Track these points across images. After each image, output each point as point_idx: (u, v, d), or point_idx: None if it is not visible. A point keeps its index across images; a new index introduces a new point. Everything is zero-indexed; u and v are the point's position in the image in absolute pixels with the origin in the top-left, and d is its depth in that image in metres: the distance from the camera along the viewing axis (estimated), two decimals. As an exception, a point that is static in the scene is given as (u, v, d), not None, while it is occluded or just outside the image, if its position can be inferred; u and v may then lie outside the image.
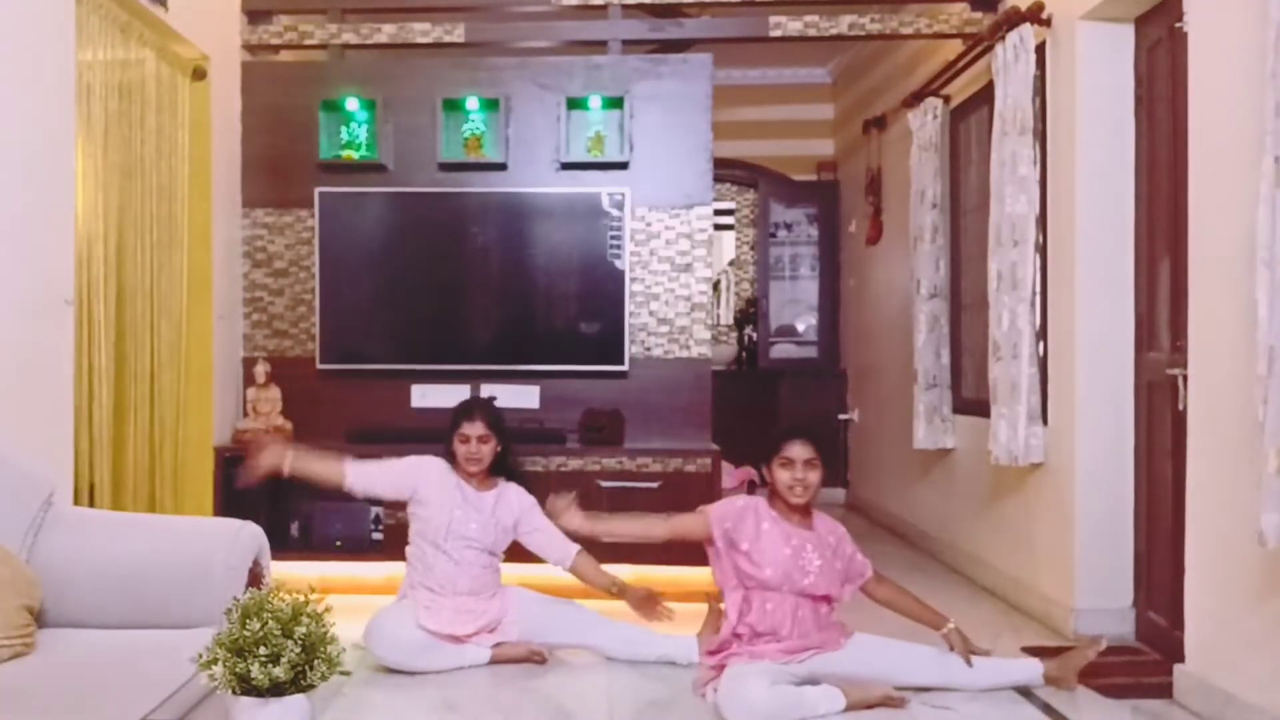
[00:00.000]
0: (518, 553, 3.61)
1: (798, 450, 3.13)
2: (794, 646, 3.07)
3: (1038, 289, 4.03)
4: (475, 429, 3.47)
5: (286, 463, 3.34)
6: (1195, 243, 3.08)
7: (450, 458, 3.52)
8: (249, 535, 2.74)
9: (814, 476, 3.15)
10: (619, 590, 3.52)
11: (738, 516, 3.16)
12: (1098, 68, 3.82)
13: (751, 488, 5.55)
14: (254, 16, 4.79)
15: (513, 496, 3.58)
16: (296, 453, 3.39)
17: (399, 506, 4.32)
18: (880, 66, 6.46)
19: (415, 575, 3.49)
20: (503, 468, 3.59)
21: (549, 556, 3.57)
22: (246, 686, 2.13)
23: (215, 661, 2.14)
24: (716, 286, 7.74)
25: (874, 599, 3.31)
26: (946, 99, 5.10)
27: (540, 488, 4.32)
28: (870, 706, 2.96)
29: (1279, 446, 2.48)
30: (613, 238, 4.64)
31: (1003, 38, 4.13)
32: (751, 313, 7.73)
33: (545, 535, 3.53)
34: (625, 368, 4.66)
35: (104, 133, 3.61)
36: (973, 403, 4.88)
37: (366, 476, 3.47)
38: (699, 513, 3.23)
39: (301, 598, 2.26)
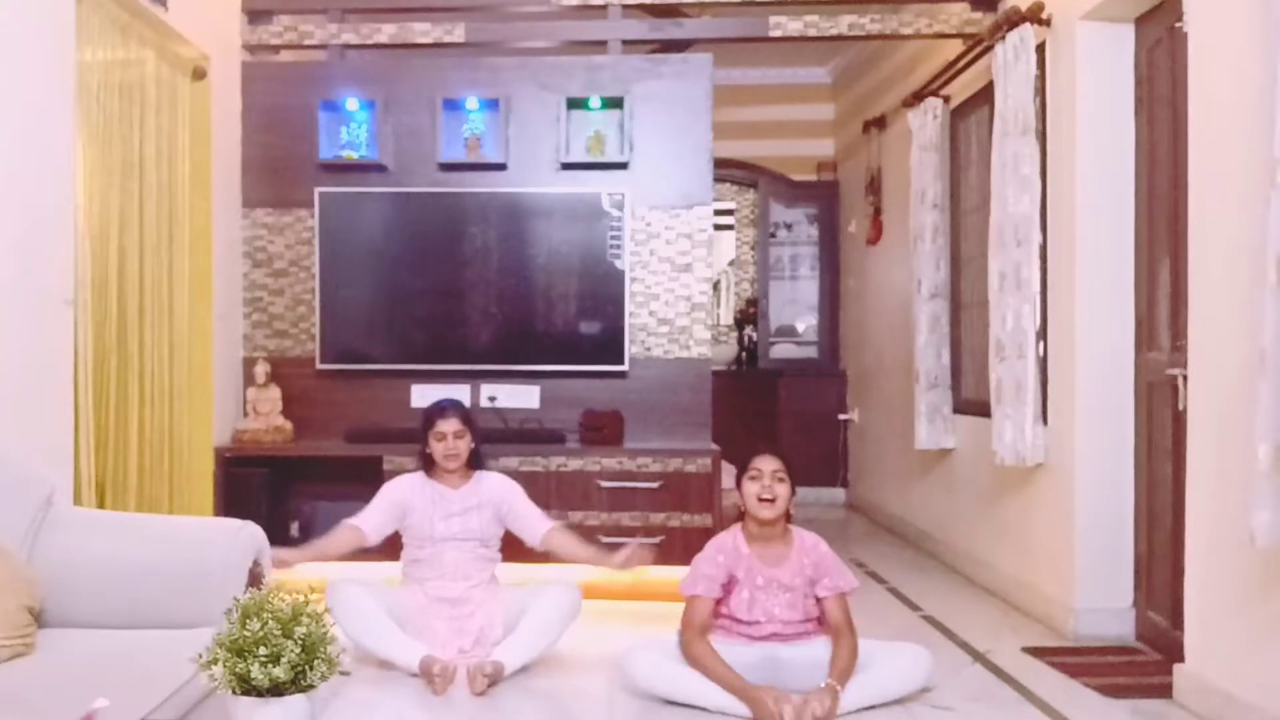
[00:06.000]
0: (526, 554, 3.60)
1: (765, 463, 3.13)
2: (765, 633, 3.11)
3: (1039, 289, 4.03)
4: (450, 425, 3.55)
5: (296, 558, 3.34)
6: (1195, 243, 3.08)
7: (425, 463, 3.60)
8: (249, 535, 2.74)
9: (782, 489, 3.12)
10: (606, 560, 3.47)
11: (719, 571, 3.12)
12: (1098, 68, 3.82)
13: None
14: (254, 16, 4.79)
15: (493, 482, 3.62)
16: (302, 549, 3.43)
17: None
18: (880, 66, 6.46)
19: (409, 572, 3.56)
20: (478, 463, 3.65)
21: (525, 536, 3.59)
22: (246, 686, 2.13)
23: (215, 661, 2.15)
24: (716, 286, 7.74)
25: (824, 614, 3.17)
26: (946, 99, 5.10)
27: (540, 488, 4.36)
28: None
29: (1269, 445, 2.48)
30: (613, 238, 4.64)
31: (1003, 38, 4.13)
32: (751, 313, 7.73)
33: (524, 519, 3.57)
34: (625, 368, 4.66)
35: (104, 133, 3.61)
36: (973, 403, 4.88)
37: (377, 523, 3.52)
38: (694, 601, 3.11)
39: (301, 598, 2.26)
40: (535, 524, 3.56)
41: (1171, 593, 3.41)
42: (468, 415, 3.63)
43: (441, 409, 3.63)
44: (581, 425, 4.59)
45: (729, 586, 3.14)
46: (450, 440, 3.54)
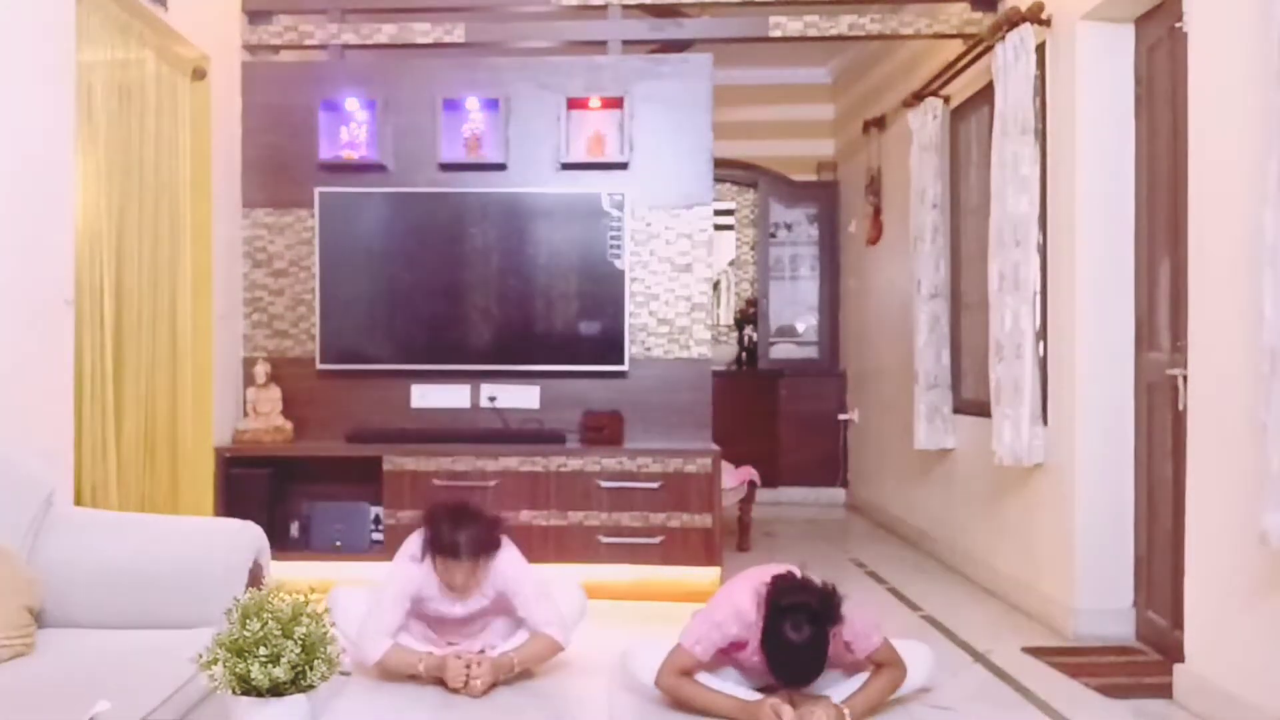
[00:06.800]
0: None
1: (797, 697, 2.80)
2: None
3: (1038, 289, 4.03)
4: (459, 573, 3.04)
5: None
6: (1195, 243, 3.08)
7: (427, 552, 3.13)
8: (249, 535, 2.74)
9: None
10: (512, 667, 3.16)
11: (724, 641, 2.89)
12: (1098, 68, 3.82)
13: (752, 487, 5.55)
14: (254, 16, 4.79)
15: (502, 575, 3.15)
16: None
17: (399, 508, 4.36)
18: (880, 66, 6.46)
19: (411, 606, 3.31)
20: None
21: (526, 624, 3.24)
22: (246, 687, 2.14)
23: (215, 662, 2.15)
24: (716, 286, 7.74)
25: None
26: (946, 99, 5.10)
27: (540, 488, 4.36)
28: None
29: (1280, 446, 2.48)
30: (613, 238, 4.64)
31: (1003, 38, 4.13)
32: (751, 313, 7.73)
33: (526, 609, 3.19)
34: (625, 368, 4.66)
35: (104, 133, 3.61)
36: (973, 403, 4.88)
37: (399, 624, 3.16)
38: (687, 656, 2.90)
39: (301, 598, 2.26)
40: (533, 626, 3.18)
41: (1171, 593, 3.41)
42: (485, 544, 3.04)
43: (453, 548, 2.99)
44: (581, 425, 4.59)
45: (736, 646, 2.94)
46: (459, 581, 3.07)
